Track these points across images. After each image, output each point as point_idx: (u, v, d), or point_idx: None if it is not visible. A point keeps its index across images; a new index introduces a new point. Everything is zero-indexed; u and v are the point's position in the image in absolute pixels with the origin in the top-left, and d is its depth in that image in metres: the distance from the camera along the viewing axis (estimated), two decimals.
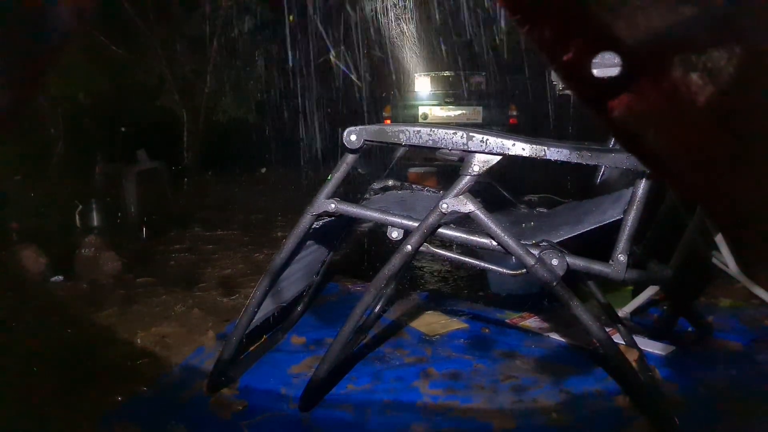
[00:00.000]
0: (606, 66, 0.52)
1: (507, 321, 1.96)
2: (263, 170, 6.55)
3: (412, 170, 5.23)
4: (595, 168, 1.56)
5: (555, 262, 1.15)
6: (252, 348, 1.71)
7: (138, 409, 1.42)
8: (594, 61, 0.53)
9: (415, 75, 6.94)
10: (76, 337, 1.87)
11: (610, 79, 0.54)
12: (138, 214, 3.89)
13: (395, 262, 1.24)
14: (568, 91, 2.09)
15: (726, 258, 1.91)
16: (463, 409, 1.40)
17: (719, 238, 1.90)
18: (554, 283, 1.15)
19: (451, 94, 6.31)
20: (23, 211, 3.49)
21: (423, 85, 6.70)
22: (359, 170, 2.98)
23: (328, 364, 1.34)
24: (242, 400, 1.44)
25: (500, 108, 5.99)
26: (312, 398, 1.38)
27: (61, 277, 2.54)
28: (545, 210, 1.67)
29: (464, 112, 6.15)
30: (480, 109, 6.07)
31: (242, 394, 1.48)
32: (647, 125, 0.61)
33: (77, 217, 3.60)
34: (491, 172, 1.18)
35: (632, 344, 1.61)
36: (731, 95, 0.57)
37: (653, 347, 1.67)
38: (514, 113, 5.83)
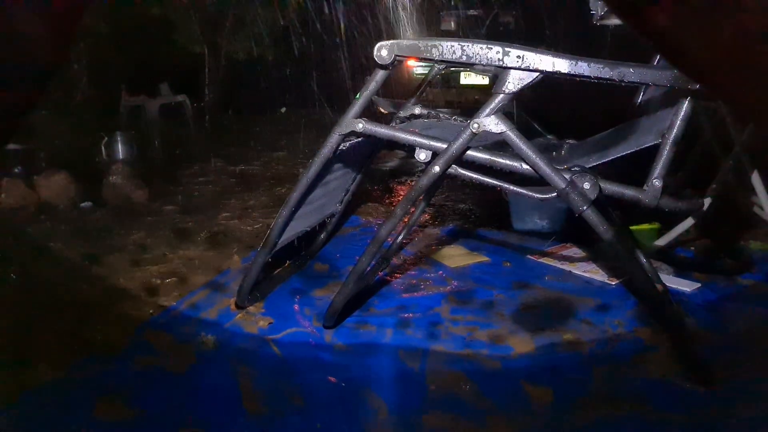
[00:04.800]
0: None
1: (529, 257, 1.96)
2: (283, 110, 6.48)
3: None
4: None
5: (587, 186, 1.13)
6: (276, 271, 1.75)
7: (169, 321, 1.47)
8: None
9: (442, 15, 6.68)
10: (108, 257, 1.93)
11: None
12: (161, 147, 3.92)
13: (422, 183, 1.23)
14: (605, 21, 1.97)
15: (762, 200, 1.86)
16: (483, 333, 1.42)
17: (756, 180, 1.84)
18: (585, 208, 1.13)
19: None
20: (51, 143, 3.54)
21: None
22: (381, 110, 2.91)
23: (352, 284, 1.35)
24: (268, 317, 1.49)
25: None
26: (335, 317, 1.41)
27: (90, 203, 2.59)
28: (575, 141, 1.63)
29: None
30: None
31: (267, 312, 1.52)
32: (693, 34, 0.56)
33: (103, 148, 3.64)
34: (521, 101, 1.14)
35: (657, 279, 1.60)
36: None
37: (678, 284, 1.66)
38: None
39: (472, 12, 6.41)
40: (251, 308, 1.53)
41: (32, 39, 0.57)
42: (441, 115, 1.75)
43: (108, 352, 1.32)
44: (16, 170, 2.73)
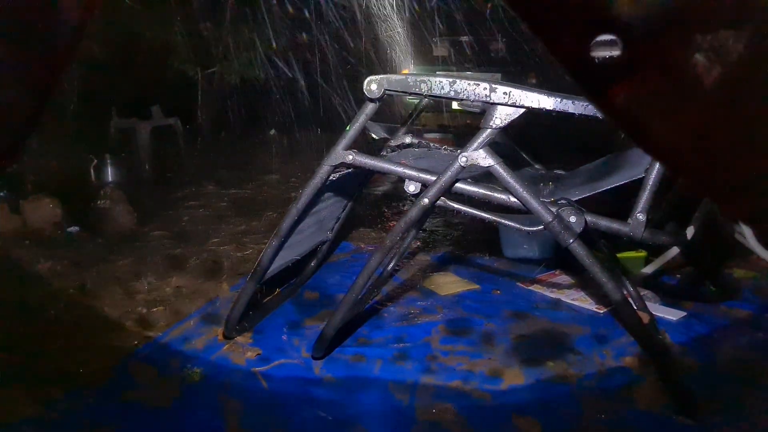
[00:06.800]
0: (605, 49, 0.48)
1: (519, 284, 1.96)
2: (272, 132, 6.51)
3: (427, 136, 5.19)
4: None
5: (573, 219, 1.15)
6: (266, 300, 1.74)
7: (154, 352, 1.46)
8: (592, 44, 0.49)
9: (433, 39, 6.79)
10: (93, 285, 1.90)
11: (610, 63, 0.50)
12: (152, 170, 3.91)
13: (412, 215, 1.24)
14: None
15: (744, 228, 1.89)
16: (473, 364, 1.42)
17: None
18: (571, 241, 1.14)
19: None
20: (39, 165, 3.53)
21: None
22: (373, 136, 2.93)
23: (342, 315, 1.35)
24: (256, 348, 1.47)
25: (519, 75, 5.88)
26: (324, 348, 1.41)
27: (77, 228, 2.57)
28: (563, 172, 1.66)
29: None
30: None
31: (256, 342, 1.51)
32: (651, 112, 0.56)
33: (92, 171, 3.63)
34: (510, 133, 1.16)
35: (644, 308, 1.61)
36: (740, 77, 0.53)
37: (664, 312, 1.67)
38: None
39: (464, 38, 6.52)
40: (239, 339, 1.52)
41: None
42: (431, 144, 1.77)
43: (91, 386, 1.30)
44: (1, 194, 2.71)
